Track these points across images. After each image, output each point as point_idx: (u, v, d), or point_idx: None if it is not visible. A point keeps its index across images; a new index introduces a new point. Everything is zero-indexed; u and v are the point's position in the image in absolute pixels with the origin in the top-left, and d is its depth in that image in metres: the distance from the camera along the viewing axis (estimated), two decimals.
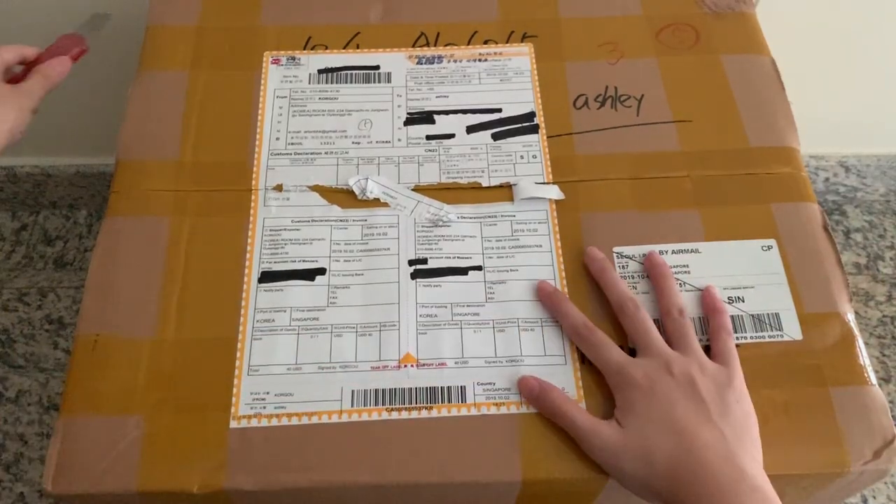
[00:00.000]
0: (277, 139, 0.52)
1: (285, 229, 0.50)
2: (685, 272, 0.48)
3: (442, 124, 0.53)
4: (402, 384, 0.45)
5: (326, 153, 0.52)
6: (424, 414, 0.44)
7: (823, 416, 0.44)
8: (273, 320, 0.47)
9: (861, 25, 0.75)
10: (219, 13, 0.56)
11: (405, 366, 0.45)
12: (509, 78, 0.54)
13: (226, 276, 0.48)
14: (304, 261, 0.49)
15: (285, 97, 0.53)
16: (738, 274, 0.48)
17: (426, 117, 0.53)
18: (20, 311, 0.90)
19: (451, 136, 0.53)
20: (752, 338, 0.46)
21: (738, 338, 0.45)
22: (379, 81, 0.53)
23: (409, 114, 0.53)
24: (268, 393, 0.44)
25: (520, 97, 0.53)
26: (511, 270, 0.49)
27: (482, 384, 0.45)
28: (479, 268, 0.49)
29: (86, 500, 0.42)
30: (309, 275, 0.48)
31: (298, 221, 0.50)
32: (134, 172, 0.51)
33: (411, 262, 0.49)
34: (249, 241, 0.49)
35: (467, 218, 0.50)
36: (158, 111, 0.53)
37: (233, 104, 0.52)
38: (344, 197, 0.51)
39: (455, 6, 0.57)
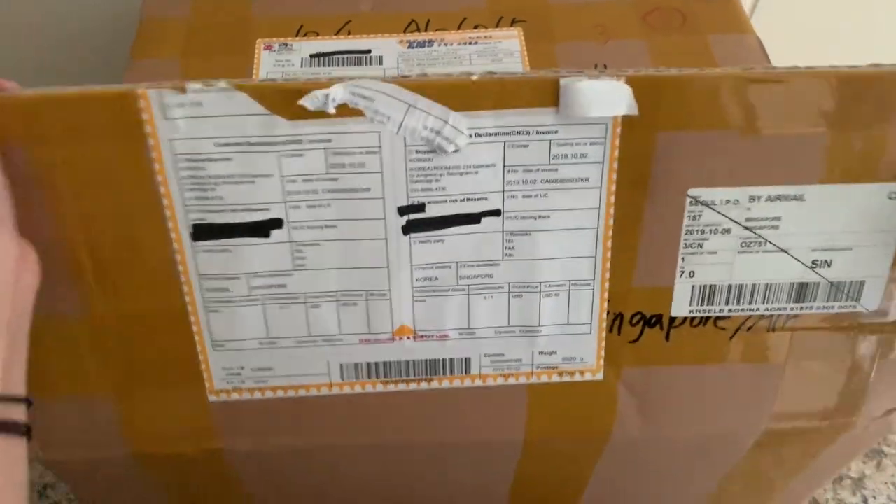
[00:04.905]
0: None
1: (209, 159, 0.33)
2: (772, 227, 0.35)
3: None
4: (397, 357, 0.38)
5: None
6: (424, 386, 0.39)
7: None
8: (227, 289, 0.36)
9: (861, 25, 0.71)
10: (210, 5, 0.51)
11: (400, 338, 0.38)
12: (500, 59, 0.48)
13: (143, 233, 0.34)
14: (248, 209, 0.34)
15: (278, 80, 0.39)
16: (840, 231, 0.36)
17: None
18: None
19: None
20: (817, 308, 0.38)
21: (790, 308, 0.38)
22: (371, 65, 0.48)
23: None
24: (242, 368, 0.38)
25: None
26: (540, 217, 0.35)
27: (490, 355, 0.39)
28: (496, 212, 0.35)
29: (83, 468, 0.41)
30: (260, 229, 0.35)
31: (226, 145, 0.33)
32: None
33: (403, 211, 0.34)
34: (159, 177, 0.33)
35: (485, 135, 0.33)
36: None
37: None
38: (291, 103, 0.32)
39: None
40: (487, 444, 0.42)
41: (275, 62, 0.47)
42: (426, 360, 0.39)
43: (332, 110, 0.32)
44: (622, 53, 0.47)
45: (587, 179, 0.35)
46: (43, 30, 0.63)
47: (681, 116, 0.33)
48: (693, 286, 0.37)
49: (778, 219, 0.36)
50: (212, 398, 0.39)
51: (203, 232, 0.35)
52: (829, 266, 0.37)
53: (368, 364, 0.39)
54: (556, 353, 0.39)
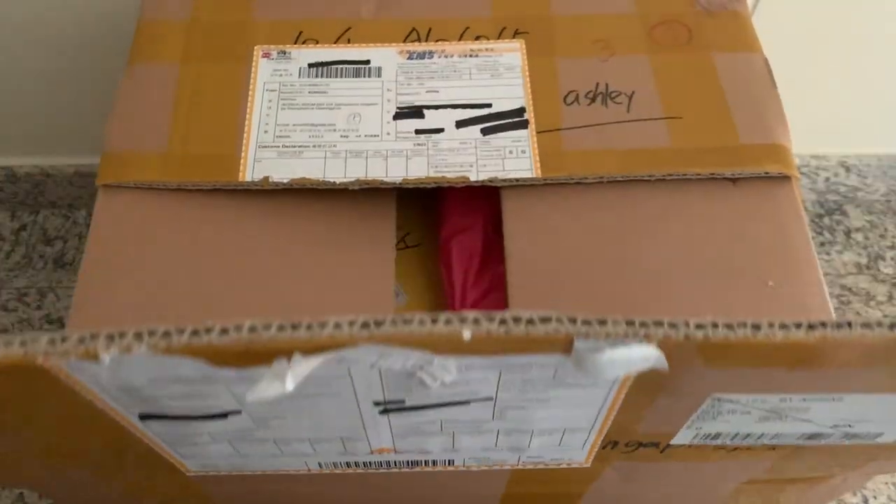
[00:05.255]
0: (266, 132, 0.44)
1: (141, 390, 0.27)
2: (799, 412, 0.31)
3: (431, 119, 0.44)
4: (377, 460, 0.36)
5: (315, 146, 0.43)
6: (406, 471, 0.38)
7: None
8: (189, 439, 0.32)
9: (862, 25, 0.66)
10: (210, 7, 0.48)
11: (380, 453, 0.35)
12: (500, 74, 0.45)
13: (80, 420, 0.30)
14: (197, 410, 0.29)
15: (275, 91, 0.45)
16: (868, 415, 0.31)
17: (416, 112, 0.44)
18: (20, 311, 0.80)
19: (440, 130, 0.44)
20: (825, 443, 0.35)
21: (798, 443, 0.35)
22: (369, 76, 0.45)
23: (398, 108, 0.44)
24: (217, 465, 0.37)
25: (510, 93, 0.45)
26: (538, 402, 0.30)
27: (474, 458, 0.37)
28: (488, 399, 0.30)
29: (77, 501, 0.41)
30: (214, 418, 0.30)
31: (158, 382, 0.26)
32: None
33: (378, 403, 0.29)
34: (87, 397, 0.27)
35: (477, 368, 0.27)
36: (147, 103, 0.44)
37: (222, 97, 0.45)
38: (235, 359, 0.25)
39: (447, 1, 0.47)
40: (465, 496, 0.43)
41: (272, 71, 0.45)
42: (408, 461, 0.37)
43: (289, 387, 0.25)
44: (624, 71, 0.44)
45: (595, 385, 0.29)
46: (42, 31, 0.63)
47: (715, 362, 0.27)
48: (698, 433, 0.34)
49: (807, 409, 0.31)
50: (191, 475, 0.39)
51: (150, 417, 0.30)
52: (850, 427, 0.34)
53: (348, 462, 0.37)
54: (543, 457, 0.37)
